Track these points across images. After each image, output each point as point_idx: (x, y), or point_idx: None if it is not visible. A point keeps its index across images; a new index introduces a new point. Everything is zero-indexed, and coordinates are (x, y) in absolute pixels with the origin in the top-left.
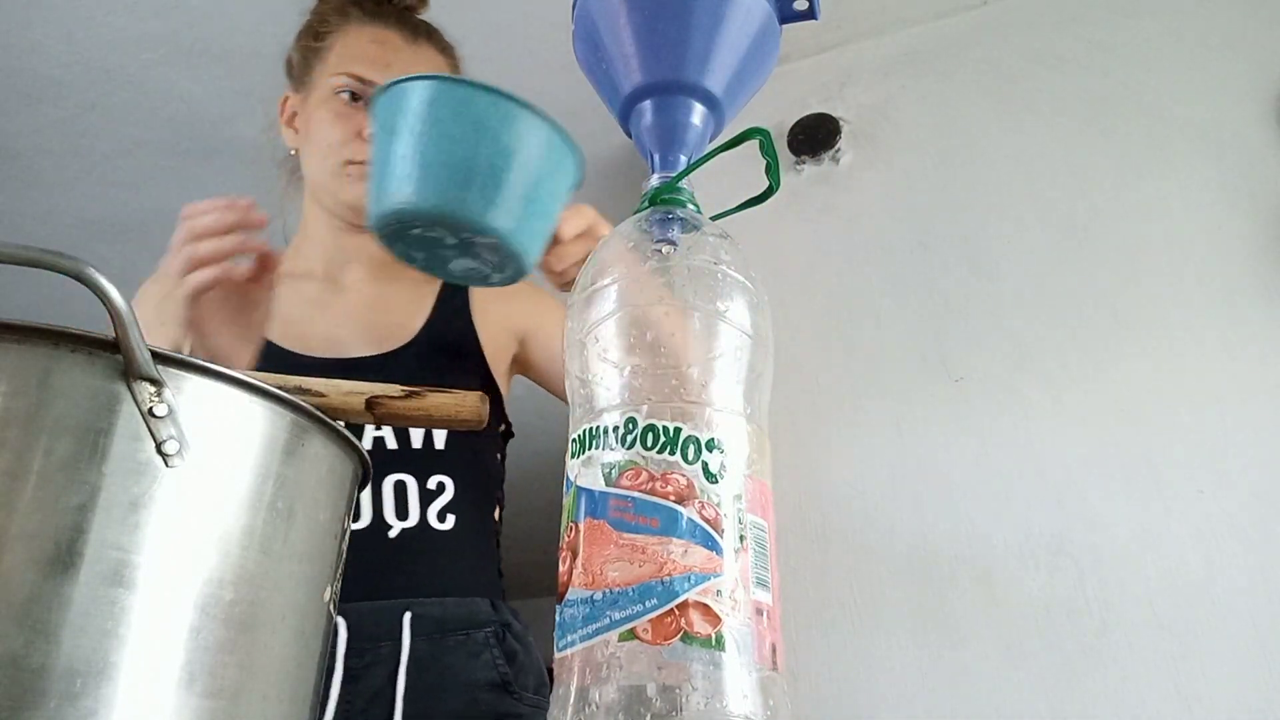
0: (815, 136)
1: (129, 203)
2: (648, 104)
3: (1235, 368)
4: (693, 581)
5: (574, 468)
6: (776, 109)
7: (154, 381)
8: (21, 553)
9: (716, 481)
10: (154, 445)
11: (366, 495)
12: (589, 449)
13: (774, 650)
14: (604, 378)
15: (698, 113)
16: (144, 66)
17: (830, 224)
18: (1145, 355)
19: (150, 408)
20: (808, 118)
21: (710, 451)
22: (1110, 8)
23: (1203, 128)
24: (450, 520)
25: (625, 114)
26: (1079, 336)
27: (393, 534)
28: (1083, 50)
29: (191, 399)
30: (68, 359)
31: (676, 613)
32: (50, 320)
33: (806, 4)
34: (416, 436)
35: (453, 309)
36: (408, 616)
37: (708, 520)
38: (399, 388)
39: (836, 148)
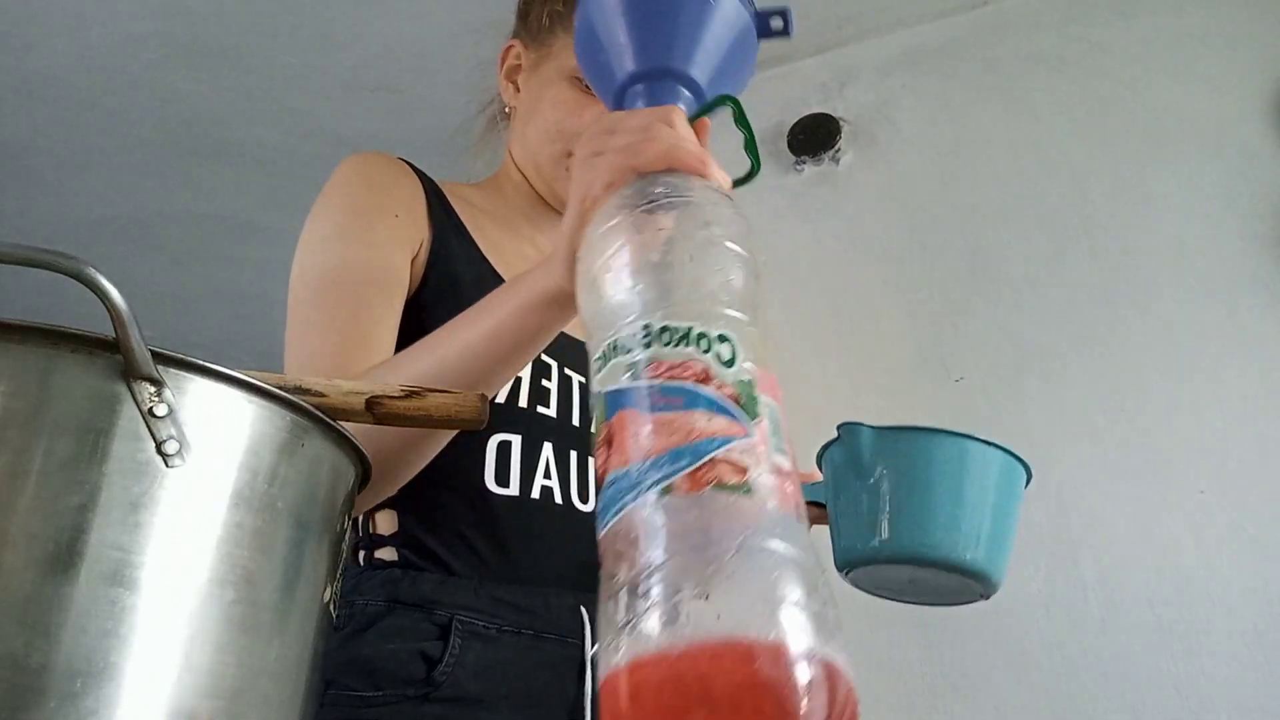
0: (815, 136)
1: (129, 203)
2: (640, 88)
3: (1235, 368)
4: (718, 443)
5: (600, 381)
6: (776, 109)
7: (154, 381)
8: (21, 553)
9: (729, 367)
10: (154, 445)
11: (557, 470)
12: (611, 359)
13: (798, 506)
14: (619, 299)
15: (684, 98)
16: (144, 66)
17: (830, 224)
18: (1145, 355)
19: (150, 408)
20: (808, 118)
21: (721, 343)
22: (1110, 8)
23: (1203, 128)
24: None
25: (619, 98)
26: (1079, 336)
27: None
28: (1083, 50)
29: (191, 399)
30: (68, 359)
31: (707, 467)
32: (50, 320)
33: (782, 24)
34: (575, 411)
35: None
36: None
37: (726, 395)
38: (398, 387)
39: (836, 148)
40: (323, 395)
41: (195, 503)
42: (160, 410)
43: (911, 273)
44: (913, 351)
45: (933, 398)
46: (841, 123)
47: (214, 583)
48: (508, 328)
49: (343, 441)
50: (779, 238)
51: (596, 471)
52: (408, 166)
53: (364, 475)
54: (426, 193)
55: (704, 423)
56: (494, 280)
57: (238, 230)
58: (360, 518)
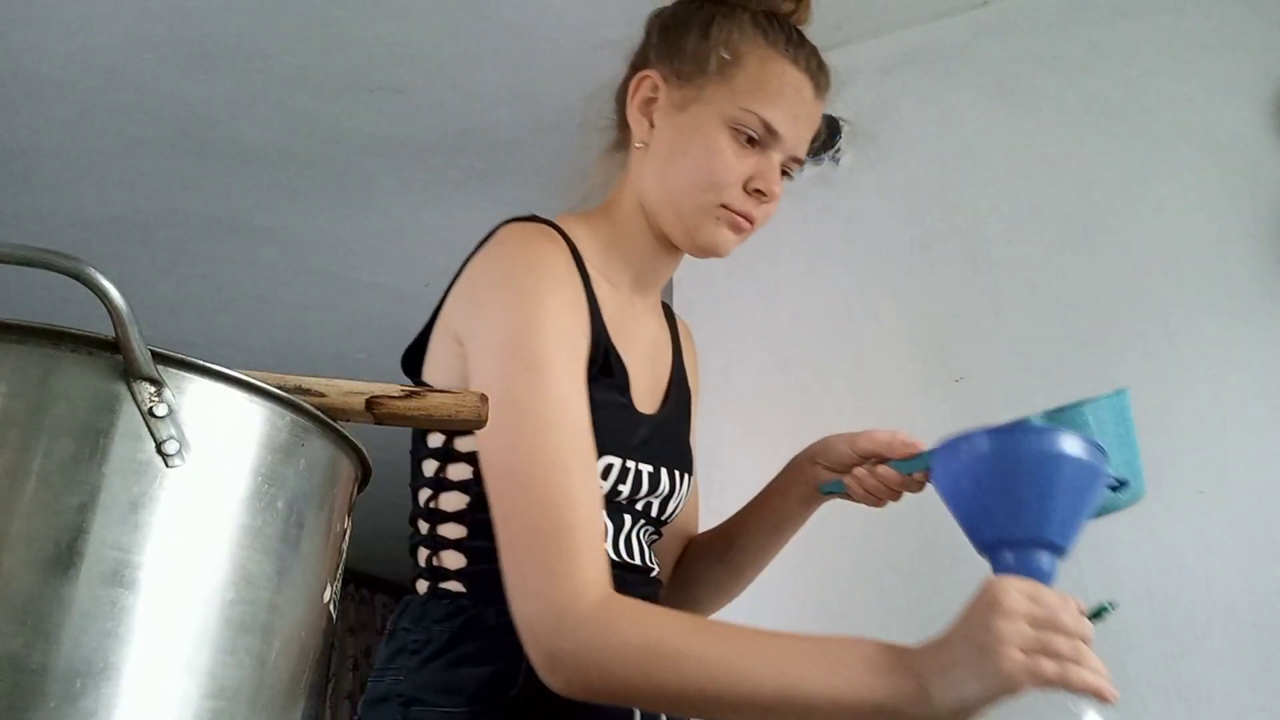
0: (815, 136)
1: (129, 203)
2: (1008, 553)
3: (1235, 368)
4: None
5: None
6: None
7: (154, 381)
8: (22, 553)
9: None
10: (154, 445)
11: (612, 530)
12: None
13: None
14: None
15: (1047, 560)
16: (144, 66)
17: (830, 224)
18: (1145, 355)
19: (150, 408)
20: None
21: None
22: (1110, 8)
23: (1203, 128)
24: None
25: (990, 550)
26: (1079, 336)
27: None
28: (1083, 50)
29: (191, 399)
30: (68, 359)
31: None
32: (50, 320)
33: (1128, 495)
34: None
35: (680, 364)
36: None
37: None
38: (399, 387)
39: (836, 148)
40: (323, 395)
41: (195, 503)
42: (160, 410)
43: (911, 273)
44: (913, 351)
45: (933, 398)
46: (841, 123)
47: (214, 583)
48: (833, 710)
49: (343, 441)
50: (779, 237)
51: None
52: (569, 253)
53: (364, 475)
54: (586, 291)
55: None
56: (609, 385)
57: (238, 230)
58: (426, 553)
